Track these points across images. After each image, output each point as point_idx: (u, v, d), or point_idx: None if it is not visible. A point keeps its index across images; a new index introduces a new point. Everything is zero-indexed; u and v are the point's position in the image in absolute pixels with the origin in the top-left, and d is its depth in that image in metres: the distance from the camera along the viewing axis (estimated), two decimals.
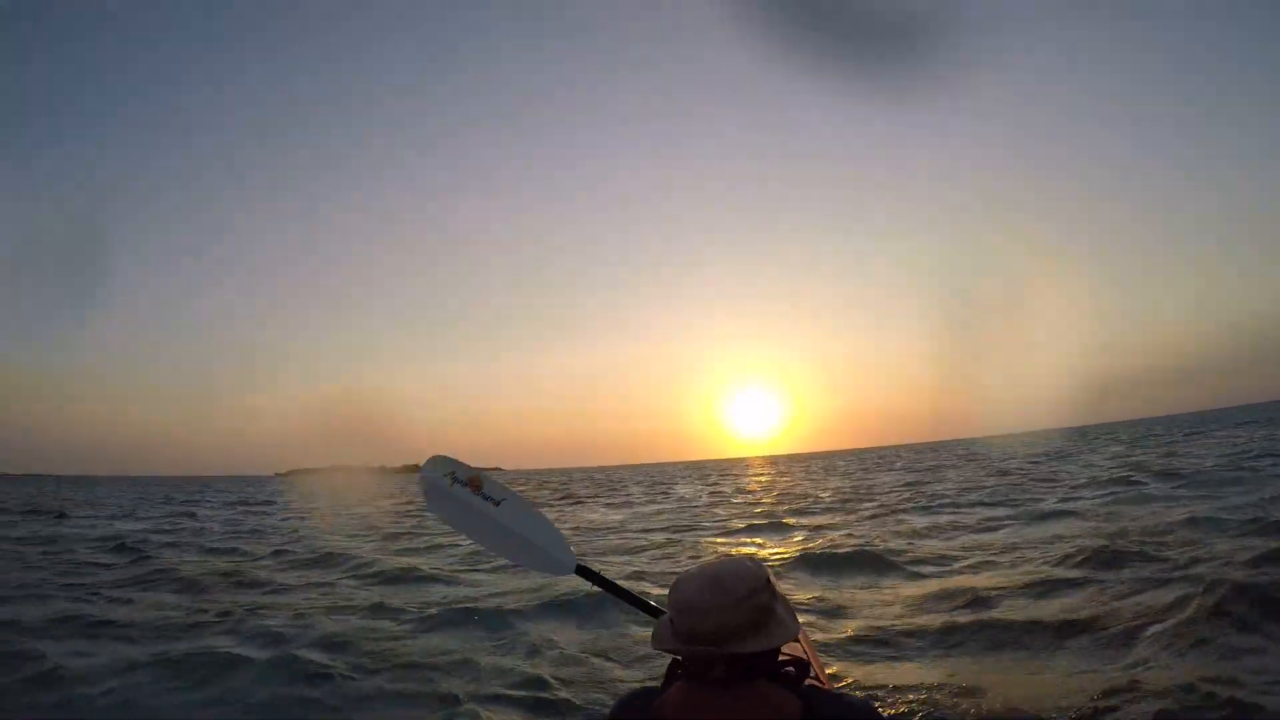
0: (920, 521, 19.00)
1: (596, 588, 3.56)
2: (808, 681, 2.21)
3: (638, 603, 3.53)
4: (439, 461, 3.65)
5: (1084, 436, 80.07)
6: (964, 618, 8.82)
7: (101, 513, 36.29)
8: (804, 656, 2.58)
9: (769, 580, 2.19)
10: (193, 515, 34.39)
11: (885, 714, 6.07)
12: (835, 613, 9.80)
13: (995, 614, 8.87)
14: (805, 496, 31.91)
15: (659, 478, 77.78)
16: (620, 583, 3.60)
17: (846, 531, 18.00)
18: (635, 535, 20.72)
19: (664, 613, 2.44)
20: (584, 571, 3.55)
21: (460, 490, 3.56)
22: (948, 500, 23.69)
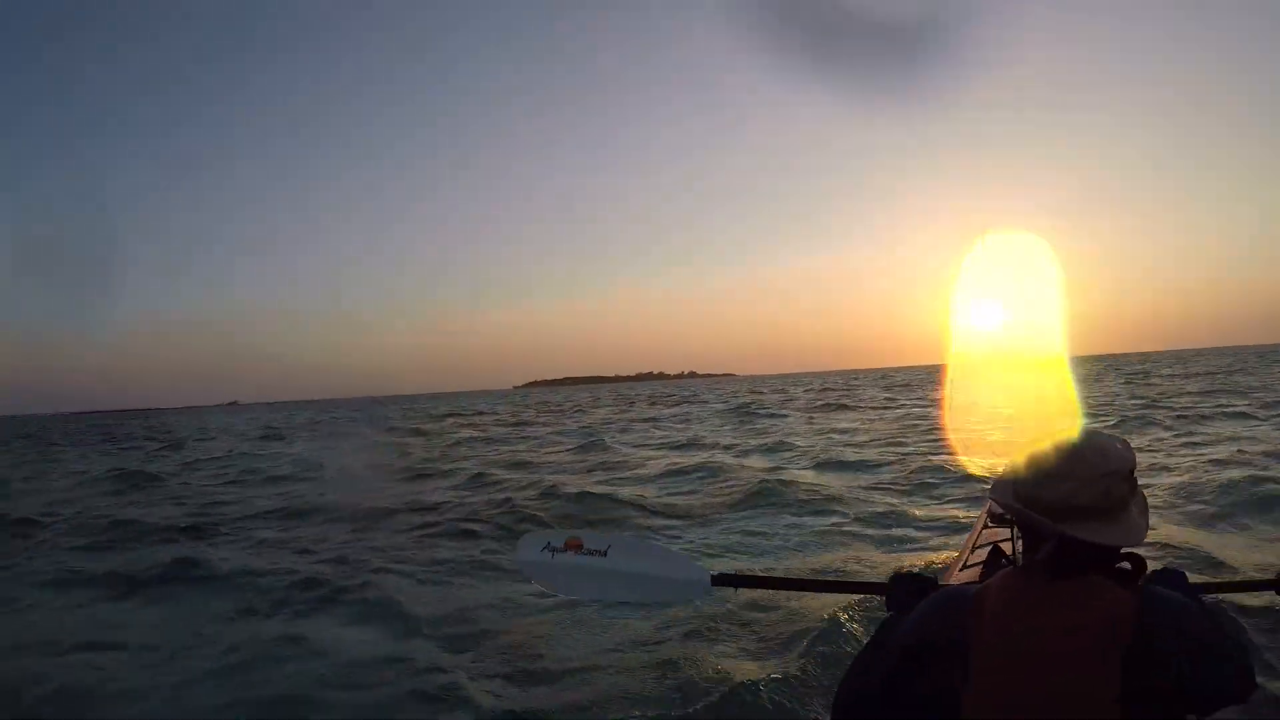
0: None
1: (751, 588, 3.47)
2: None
3: (806, 584, 3.53)
4: (529, 541, 3.60)
5: None
6: None
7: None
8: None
9: (1132, 471, 1.95)
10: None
11: None
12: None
13: None
14: (1085, 402, 28.96)
15: (903, 381, 75.06)
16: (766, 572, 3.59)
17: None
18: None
19: (863, 587, 3.13)
20: (726, 579, 3.30)
21: (562, 558, 3.45)
22: None
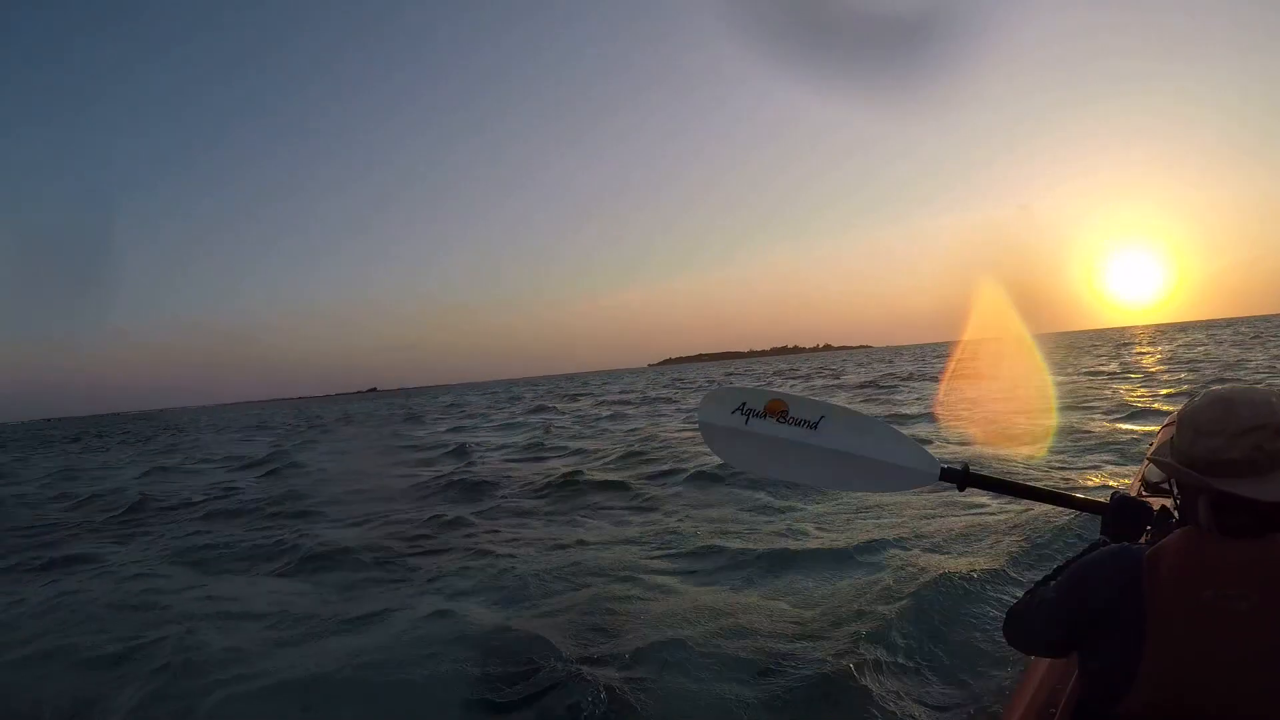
0: None
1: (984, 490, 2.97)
2: None
3: (1032, 493, 2.87)
4: (719, 398, 3.01)
5: None
6: None
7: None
8: None
9: None
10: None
11: None
12: None
13: None
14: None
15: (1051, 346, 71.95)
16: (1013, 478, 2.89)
17: None
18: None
19: (1086, 504, 2.67)
20: (954, 475, 2.77)
21: (760, 424, 2.90)
22: None
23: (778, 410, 2.92)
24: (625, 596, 6.40)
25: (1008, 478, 2.93)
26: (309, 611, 6.74)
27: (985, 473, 2.91)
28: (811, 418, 2.92)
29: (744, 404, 2.96)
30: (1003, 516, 7.82)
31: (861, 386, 35.47)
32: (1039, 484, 2.87)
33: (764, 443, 2.95)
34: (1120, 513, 2.42)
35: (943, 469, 2.85)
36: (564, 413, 35.70)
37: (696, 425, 3.16)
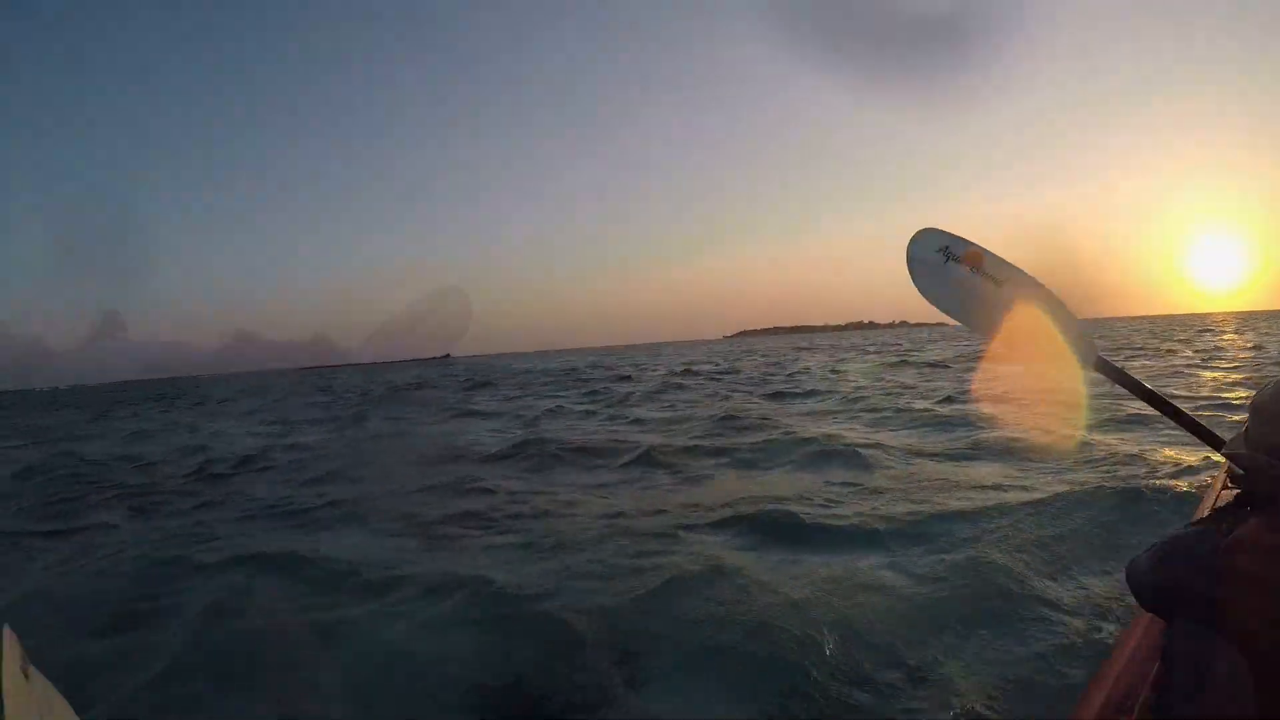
0: None
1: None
2: None
3: (1178, 415, 3.02)
4: (930, 235, 3.21)
5: None
6: None
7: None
8: None
9: None
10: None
11: None
12: None
13: None
14: None
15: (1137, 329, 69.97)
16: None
17: None
18: None
19: (1214, 439, 2.79)
20: (1107, 367, 3.08)
21: (955, 268, 3.12)
22: None
23: (974, 260, 3.13)
24: (660, 579, 6.21)
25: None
26: (341, 582, 6.71)
27: (1137, 377, 3.09)
28: (999, 276, 3.10)
29: (947, 246, 3.17)
30: (1059, 494, 7.74)
31: (930, 366, 34.05)
32: (1188, 411, 3.00)
33: (955, 286, 3.16)
34: (1253, 452, 2.26)
35: (1099, 358, 3.10)
36: (636, 382, 35.64)
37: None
